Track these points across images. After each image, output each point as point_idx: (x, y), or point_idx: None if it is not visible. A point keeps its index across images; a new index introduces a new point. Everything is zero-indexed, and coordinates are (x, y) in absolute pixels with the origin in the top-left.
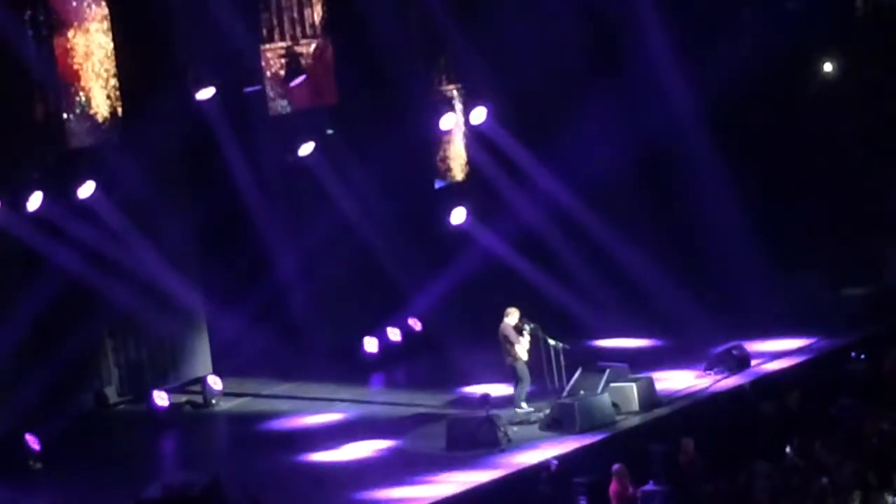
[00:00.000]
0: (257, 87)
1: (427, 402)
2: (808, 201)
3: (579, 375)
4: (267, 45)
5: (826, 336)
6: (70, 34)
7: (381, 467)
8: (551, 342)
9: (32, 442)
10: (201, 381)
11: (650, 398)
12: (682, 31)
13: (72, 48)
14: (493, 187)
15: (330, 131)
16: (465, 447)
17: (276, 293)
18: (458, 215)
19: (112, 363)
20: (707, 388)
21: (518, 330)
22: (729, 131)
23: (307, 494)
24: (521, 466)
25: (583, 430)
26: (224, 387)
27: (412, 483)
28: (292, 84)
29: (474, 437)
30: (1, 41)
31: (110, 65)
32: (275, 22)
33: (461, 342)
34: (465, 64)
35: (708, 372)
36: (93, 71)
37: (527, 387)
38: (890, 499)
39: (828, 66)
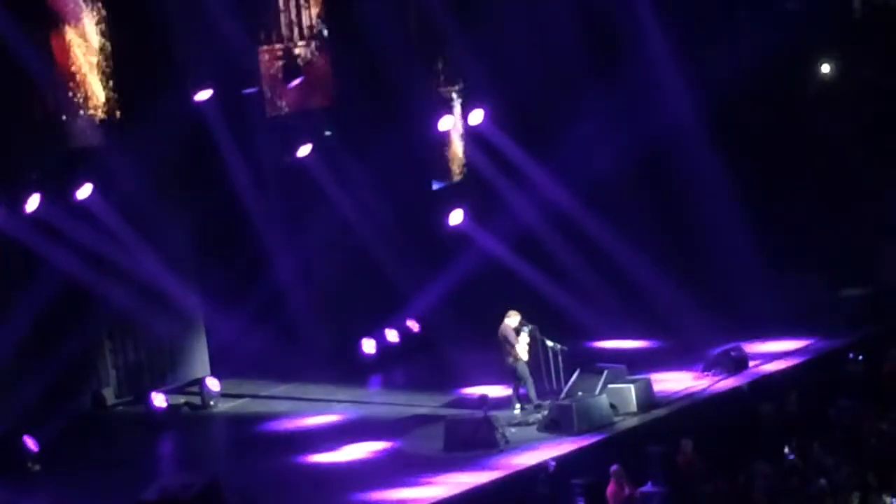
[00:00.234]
0: (255, 89)
1: (425, 403)
2: (806, 202)
3: (577, 377)
4: (264, 47)
5: (824, 337)
6: (68, 35)
7: (379, 468)
8: (549, 343)
9: (31, 443)
10: (199, 382)
11: (648, 399)
12: (681, 31)
13: (70, 49)
14: (491, 188)
15: (328, 133)
16: (462, 448)
17: (274, 294)
18: (456, 216)
19: (110, 365)
20: (705, 389)
21: (516, 331)
22: (727, 132)
23: (305, 495)
24: (518, 467)
25: (581, 432)
26: (222, 388)
27: (410, 484)
28: (290, 85)
29: (472, 438)
30: None
31: (108, 66)
32: (272, 24)
33: (459, 343)
34: (464, 65)
35: (706, 373)
36: (91, 72)
37: (531, 387)
38: (889, 500)
39: (826, 67)
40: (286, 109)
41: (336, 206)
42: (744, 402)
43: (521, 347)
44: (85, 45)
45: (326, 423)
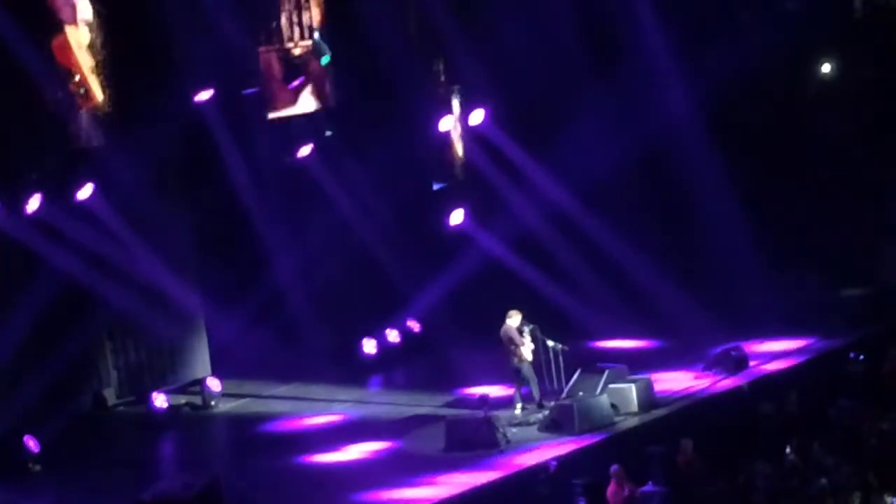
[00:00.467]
0: (255, 90)
1: (426, 403)
2: (806, 202)
3: (578, 376)
4: (265, 47)
5: (825, 337)
6: (68, 36)
7: (380, 468)
8: (550, 343)
9: (31, 444)
10: (200, 382)
11: (649, 399)
12: (681, 31)
13: (70, 50)
14: (491, 188)
15: (328, 133)
16: (463, 448)
17: (274, 295)
18: (457, 216)
19: (111, 365)
20: (705, 389)
21: (519, 331)
22: (727, 132)
23: (306, 496)
24: (519, 467)
25: (581, 432)
26: (223, 388)
27: (411, 484)
28: (290, 86)
29: (473, 438)
30: None
31: (108, 66)
32: (272, 24)
33: (460, 343)
34: (463, 65)
35: (706, 373)
36: (91, 72)
37: (535, 386)
38: (889, 500)
39: (826, 67)
40: (286, 110)
41: (336, 206)
42: (744, 401)
43: (527, 348)
44: (85, 45)
45: (327, 423)
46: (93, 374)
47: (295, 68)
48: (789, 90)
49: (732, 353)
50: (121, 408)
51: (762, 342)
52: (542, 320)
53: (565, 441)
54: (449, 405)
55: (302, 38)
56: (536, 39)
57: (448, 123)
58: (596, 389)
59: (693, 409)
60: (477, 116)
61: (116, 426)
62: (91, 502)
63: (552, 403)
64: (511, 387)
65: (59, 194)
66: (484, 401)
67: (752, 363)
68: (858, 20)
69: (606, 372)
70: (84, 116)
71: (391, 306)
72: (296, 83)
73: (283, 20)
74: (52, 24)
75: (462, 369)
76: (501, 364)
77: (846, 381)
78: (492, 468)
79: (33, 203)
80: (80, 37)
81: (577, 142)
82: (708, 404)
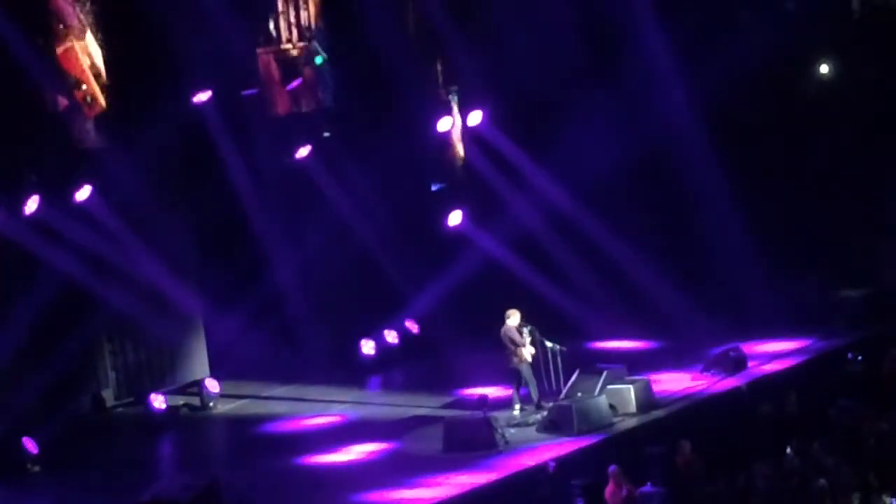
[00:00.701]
0: (254, 91)
1: (424, 404)
2: (807, 202)
3: (576, 377)
4: (263, 49)
5: (824, 337)
6: (68, 38)
7: (379, 469)
8: (549, 344)
9: (30, 445)
10: (199, 383)
11: (647, 400)
12: (681, 31)
13: (70, 51)
14: (490, 189)
15: (327, 134)
16: (462, 449)
17: (273, 296)
18: (455, 217)
19: (109, 366)
20: (704, 389)
21: (518, 331)
22: (727, 132)
23: (305, 497)
24: (518, 468)
25: (580, 432)
26: (222, 389)
27: (409, 485)
28: (289, 87)
29: (472, 438)
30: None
31: (108, 68)
32: (271, 25)
33: (458, 344)
34: (462, 66)
35: (705, 373)
36: (90, 74)
37: (534, 387)
38: (889, 500)
39: (825, 67)
40: (285, 111)
41: (335, 207)
42: (743, 402)
43: (528, 349)
44: (85, 46)
45: (326, 424)
46: (91, 376)
47: (293, 69)
48: (789, 90)
49: (731, 353)
50: (119, 409)
51: (761, 342)
52: (540, 321)
53: (564, 442)
54: (447, 406)
55: (300, 39)
56: (535, 40)
57: (447, 124)
58: (594, 390)
59: (692, 409)
60: (476, 117)
61: (115, 427)
62: (90, 503)
63: (551, 404)
64: (510, 387)
65: (57, 195)
66: (483, 401)
67: (751, 364)
68: (858, 20)
69: (605, 373)
70: (83, 117)
71: (390, 307)
72: (294, 84)
73: (281, 22)
74: (53, 25)
75: (461, 370)
76: (500, 365)
77: (846, 381)
78: (490, 469)
79: (32, 204)
80: (80, 38)
81: (576, 142)
82: (707, 405)
